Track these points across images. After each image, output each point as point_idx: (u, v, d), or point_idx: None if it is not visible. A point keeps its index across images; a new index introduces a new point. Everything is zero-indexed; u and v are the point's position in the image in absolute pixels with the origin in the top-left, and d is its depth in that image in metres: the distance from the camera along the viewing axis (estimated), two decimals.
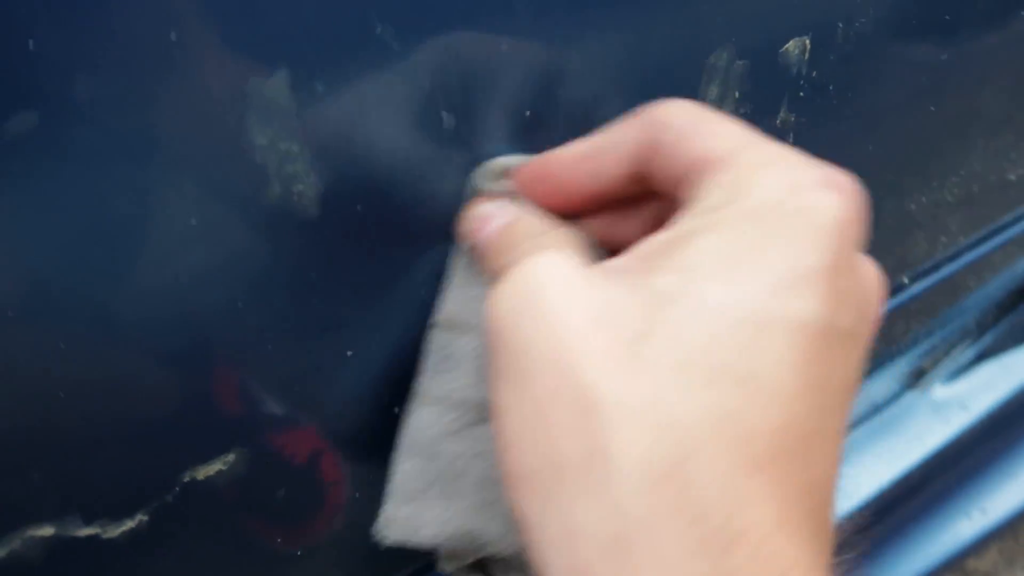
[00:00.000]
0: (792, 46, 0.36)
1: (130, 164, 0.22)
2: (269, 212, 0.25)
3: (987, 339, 0.69)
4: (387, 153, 0.27)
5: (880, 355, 0.62)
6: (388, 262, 0.29)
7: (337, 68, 0.25)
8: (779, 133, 0.38)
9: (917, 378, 0.68)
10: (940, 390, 0.68)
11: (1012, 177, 0.58)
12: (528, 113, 0.29)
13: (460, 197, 0.29)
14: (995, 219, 0.60)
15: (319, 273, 0.27)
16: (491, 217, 0.26)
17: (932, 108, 0.46)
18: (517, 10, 0.28)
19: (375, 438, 0.31)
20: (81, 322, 0.23)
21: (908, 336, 0.64)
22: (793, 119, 0.39)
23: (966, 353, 0.68)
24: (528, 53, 0.29)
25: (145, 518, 0.26)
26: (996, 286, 0.68)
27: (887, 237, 0.51)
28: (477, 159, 0.29)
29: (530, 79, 0.29)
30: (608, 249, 0.27)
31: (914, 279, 0.56)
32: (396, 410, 0.30)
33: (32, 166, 0.21)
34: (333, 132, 0.25)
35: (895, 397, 0.67)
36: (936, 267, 0.58)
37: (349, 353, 0.29)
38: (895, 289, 0.56)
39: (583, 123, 0.29)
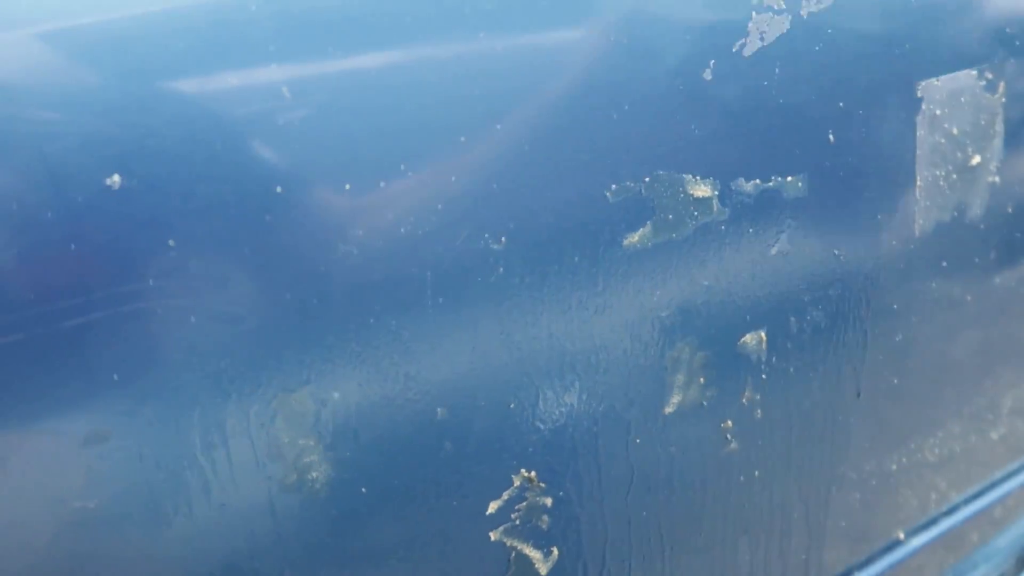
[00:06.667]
0: (749, 339, 0.42)
1: None
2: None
3: None
4: None
5: None
6: None
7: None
8: (747, 409, 0.43)
9: None
10: None
11: (994, 436, 0.61)
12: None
13: None
14: (986, 476, 0.62)
15: None
16: None
17: (895, 381, 0.50)
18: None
19: None
20: None
21: None
22: (759, 397, 0.43)
23: None
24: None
25: None
26: (1006, 540, 0.68)
27: (875, 496, 0.53)
28: None
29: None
30: None
31: (910, 535, 0.58)
32: None
33: None
34: None
35: None
36: (933, 523, 0.60)
37: None
38: (892, 544, 0.57)
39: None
